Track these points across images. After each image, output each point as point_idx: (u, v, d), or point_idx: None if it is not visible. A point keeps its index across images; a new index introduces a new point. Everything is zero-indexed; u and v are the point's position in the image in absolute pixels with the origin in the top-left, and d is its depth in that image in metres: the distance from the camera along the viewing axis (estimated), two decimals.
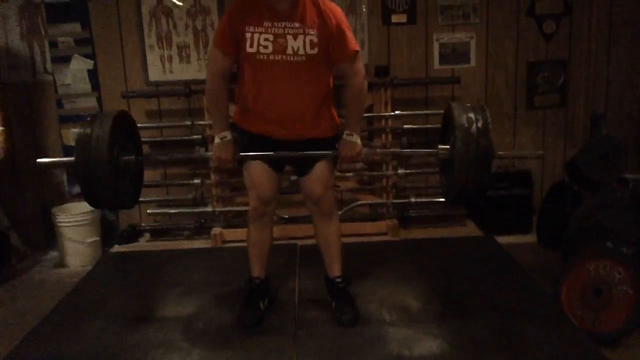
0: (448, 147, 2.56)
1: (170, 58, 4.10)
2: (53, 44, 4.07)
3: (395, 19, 4.09)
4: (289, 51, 2.32)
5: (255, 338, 2.57)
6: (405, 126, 4.05)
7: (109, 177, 2.41)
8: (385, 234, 4.02)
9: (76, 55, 4.07)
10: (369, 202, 4.10)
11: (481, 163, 2.41)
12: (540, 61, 4.20)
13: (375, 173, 4.14)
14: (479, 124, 2.42)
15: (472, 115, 2.45)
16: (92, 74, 4.11)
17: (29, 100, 4.17)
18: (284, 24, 2.32)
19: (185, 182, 4.11)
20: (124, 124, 2.63)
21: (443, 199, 2.85)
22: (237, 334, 2.61)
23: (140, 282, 3.28)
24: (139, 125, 3.96)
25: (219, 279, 3.22)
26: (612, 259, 2.64)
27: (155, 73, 4.11)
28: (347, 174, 4.07)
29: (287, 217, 4.04)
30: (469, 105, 2.52)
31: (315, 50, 2.34)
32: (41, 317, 3.00)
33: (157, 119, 4.17)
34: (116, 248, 4.01)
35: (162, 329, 2.69)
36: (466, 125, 2.42)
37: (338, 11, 2.42)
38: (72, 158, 2.45)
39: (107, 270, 3.57)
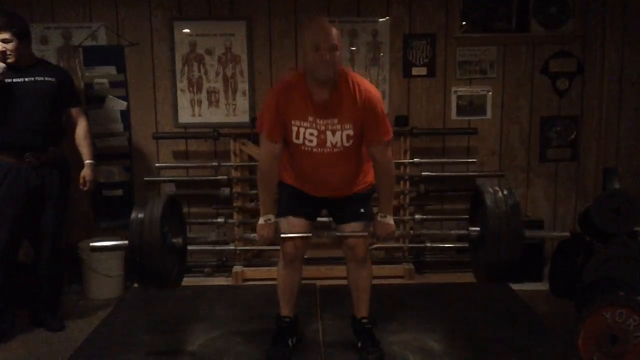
0: (478, 228, 2.74)
1: (199, 102, 4.29)
2: (89, 86, 4.25)
3: (415, 71, 4.30)
4: (329, 145, 2.60)
5: None
6: (423, 173, 4.21)
7: (160, 256, 2.63)
8: (401, 277, 4.13)
9: (110, 96, 4.25)
10: (386, 245, 4.22)
11: (511, 242, 2.55)
12: (553, 116, 4.38)
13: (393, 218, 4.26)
14: (509, 203, 2.57)
15: (500, 195, 2.61)
16: (125, 115, 4.29)
17: None
18: (325, 121, 2.56)
19: (209, 220, 4.25)
20: (172, 208, 2.87)
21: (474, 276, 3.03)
22: None
23: (167, 316, 3.36)
24: (166, 164, 4.22)
25: (245, 316, 3.32)
26: (628, 306, 2.74)
27: (184, 116, 4.30)
28: None
29: (305, 257, 4.14)
30: (496, 187, 2.69)
31: (351, 142, 2.60)
32: (70, 345, 3.11)
33: (185, 159, 4.33)
34: None
35: None
36: (495, 205, 2.57)
37: (375, 98, 2.58)
38: (126, 242, 2.68)
39: (133, 304, 3.65)
